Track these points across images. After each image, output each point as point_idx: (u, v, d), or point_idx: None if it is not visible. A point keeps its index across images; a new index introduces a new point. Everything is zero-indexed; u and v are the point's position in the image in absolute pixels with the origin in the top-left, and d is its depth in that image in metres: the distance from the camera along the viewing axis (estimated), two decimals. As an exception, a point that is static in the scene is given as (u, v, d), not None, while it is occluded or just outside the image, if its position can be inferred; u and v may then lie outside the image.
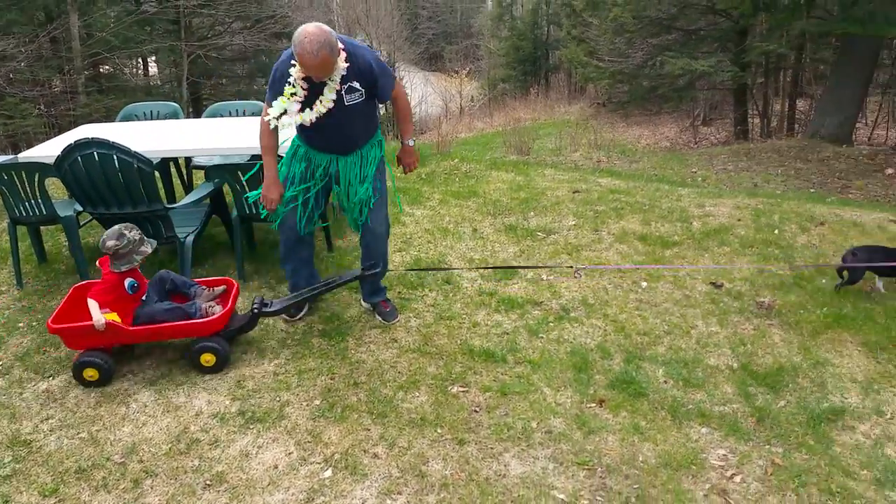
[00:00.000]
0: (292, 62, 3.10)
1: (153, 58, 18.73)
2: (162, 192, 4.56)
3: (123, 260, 3.22)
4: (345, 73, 3.10)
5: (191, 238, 3.97)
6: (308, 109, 3.15)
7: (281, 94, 3.15)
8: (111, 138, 3.62)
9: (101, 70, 15.52)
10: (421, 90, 31.57)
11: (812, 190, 8.24)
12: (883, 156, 10.00)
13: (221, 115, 5.45)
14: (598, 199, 5.48)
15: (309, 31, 2.92)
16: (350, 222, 3.60)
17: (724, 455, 2.73)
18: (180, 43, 15.35)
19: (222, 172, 4.01)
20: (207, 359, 3.22)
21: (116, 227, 3.23)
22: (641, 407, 3.01)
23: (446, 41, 43.41)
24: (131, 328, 3.18)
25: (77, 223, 4.07)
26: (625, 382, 3.17)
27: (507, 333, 3.60)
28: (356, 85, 3.16)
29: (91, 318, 3.09)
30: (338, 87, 3.12)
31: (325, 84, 3.11)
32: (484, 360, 3.36)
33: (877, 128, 16.50)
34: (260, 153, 3.37)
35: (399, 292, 4.04)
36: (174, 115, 5.44)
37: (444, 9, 43.41)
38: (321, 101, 3.14)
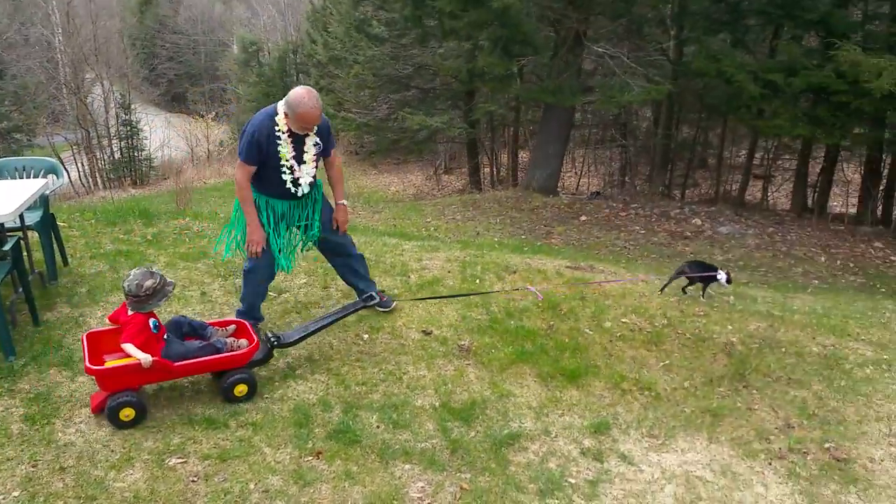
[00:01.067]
0: (276, 125, 3.73)
1: None
2: None
3: (156, 298, 3.46)
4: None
5: None
6: (301, 163, 3.85)
7: (266, 152, 3.76)
8: None
9: None
10: (162, 133, 29.87)
11: (523, 236, 9.49)
12: (579, 204, 11.85)
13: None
14: (329, 255, 5.80)
15: (303, 92, 3.65)
16: (288, 256, 4.22)
17: (422, 487, 3.12)
18: None
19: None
20: (241, 389, 3.59)
21: (139, 269, 3.51)
22: (354, 453, 3.31)
23: (190, 82, 41.70)
24: (176, 364, 3.41)
25: None
26: (341, 432, 3.45)
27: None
28: (318, 139, 3.90)
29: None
30: (315, 139, 3.87)
31: (303, 137, 3.82)
32: (205, 428, 3.42)
33: (583, 177, 19.41)
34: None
35: (120, 363, 3.92)
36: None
37: (186, 49, 41.78)
38: (307, 152, 3.85)
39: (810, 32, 12.30)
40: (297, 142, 3.83)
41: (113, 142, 27.02)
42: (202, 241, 5.99)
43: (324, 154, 4.01)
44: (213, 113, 33.14)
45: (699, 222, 10.89)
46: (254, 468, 3.14)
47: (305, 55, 29.06)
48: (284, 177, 3.86)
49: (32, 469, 3.02)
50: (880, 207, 12.84)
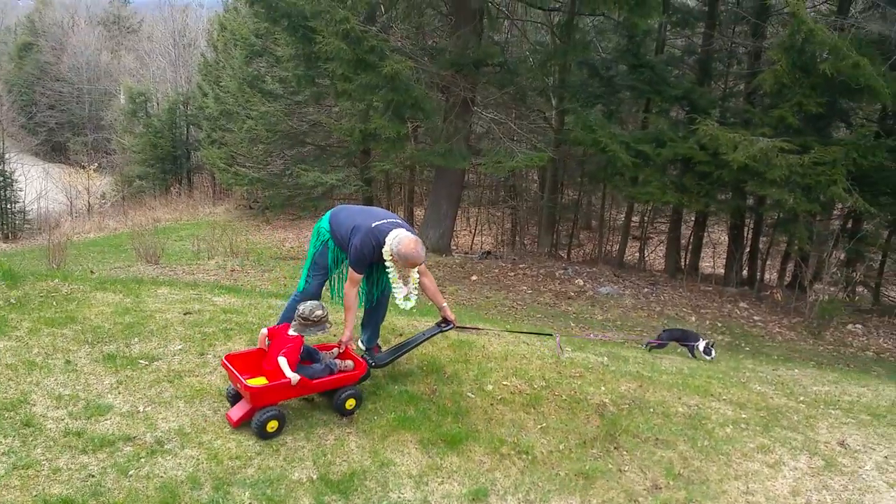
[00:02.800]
0: (384, 255, 4.32)
1: None
2: None
3: (317, 327, 4.14)
4: None
5: None
6: (403, 286, 4.50)
7: (370, 269, 4.54)
8: None
9: None
10: (39, 184, 28.15)
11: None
12: (471, 264, 12.12)
13: None
14: (210, 320, 5.61)
15: (413, 244, 4.23)
16: (365, 302, 4.84)
17: (294, 568, 3.02)
18: None
19: None
20: (351, 403, 4.21)
21: (315, 301, 4.27)
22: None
23: (72, 132, 39.80)
24: (313, 382, 4.06)
25: None
26: (210, 511, 3.30)
27: (93, 476, 3.47)
28: None
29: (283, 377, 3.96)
30: None
31: None
32: (62, 511, 3.18)
33: (476, 235, 19.92)
34: None
35: (-35, 443, 3.59)
36: None
37: (70, 97, 39.92)
38: (412, 280, 4.52)
39: (676, 106, 13.49)
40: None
41: (-17, 193, 25.24)
42: (71, 304, 5.65)
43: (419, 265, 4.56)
44: (96, 164, 31.68)
45: (581, 283, 11.41)
46: (111, 556, 2.94)
47: (196, 107, 28.48)
48: (396, 292, 4.52)
49: None
50: (745, 269, 13.98)
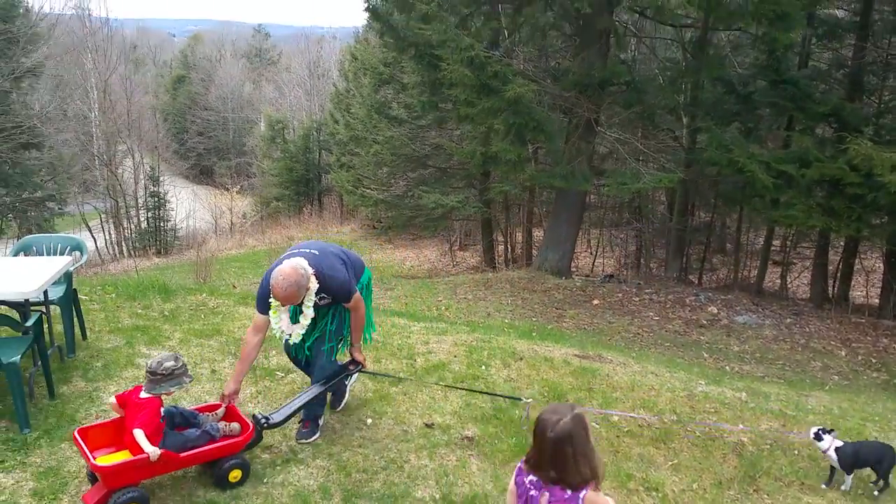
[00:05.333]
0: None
1: None
2: None
3: (170, 381, 3.47)
4: (316, 289, 3.81)
5: None
6: (296, 324, 3.92)
7: (268, 311, 3.88)
8: None
9: None
10: (188, 205, 30.69)
11: (534, 319, 9.46)
12: (592, 287, 11.84)
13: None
14: (339, 335, 5.82)
15: (285, 271, 3.65)
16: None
17: (417, 587, 3.03)
18: None
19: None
20: (235, 475, 3.59)
21: (166, 352, 3.60)
22: (352, 546, 3.24)
23: (218, 156, 43.17)
24: (182, 456, 3.40)
25: None
26: (339, 522, 3.39)
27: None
28: (325, 295, 3.91)
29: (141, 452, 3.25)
30: (313, 302, 3.85)
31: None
32: (206, 514, 3.38)
33: (598, 258, 19.45)
34: None
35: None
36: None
37: (216, 125, 43.38)
38: (304, 315, 3.88)
39: (822, 124, 12.51)
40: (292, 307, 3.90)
41: (140, 212, 27.80)
42: (217, 318, 6.07)
43: (344, 302, 4.02)
44: (239, 186, 34.10)
45: (715, 310, 10.81)
46: (248, 559, 3.08)
47: (328, 134, 30.01)
48: (276, 327, 3.94)
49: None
50: (903, 301, 12.65)
